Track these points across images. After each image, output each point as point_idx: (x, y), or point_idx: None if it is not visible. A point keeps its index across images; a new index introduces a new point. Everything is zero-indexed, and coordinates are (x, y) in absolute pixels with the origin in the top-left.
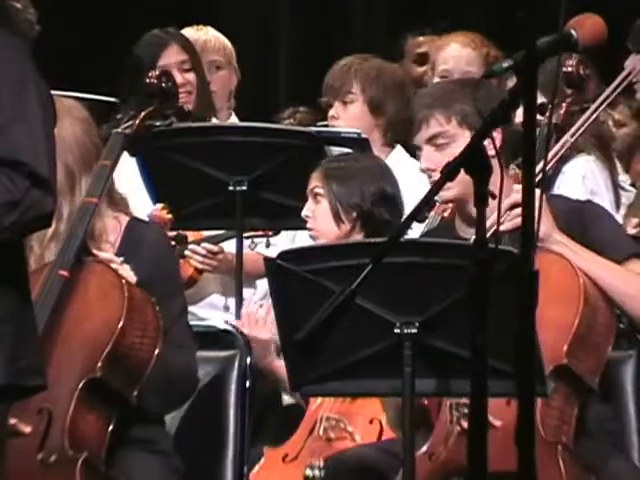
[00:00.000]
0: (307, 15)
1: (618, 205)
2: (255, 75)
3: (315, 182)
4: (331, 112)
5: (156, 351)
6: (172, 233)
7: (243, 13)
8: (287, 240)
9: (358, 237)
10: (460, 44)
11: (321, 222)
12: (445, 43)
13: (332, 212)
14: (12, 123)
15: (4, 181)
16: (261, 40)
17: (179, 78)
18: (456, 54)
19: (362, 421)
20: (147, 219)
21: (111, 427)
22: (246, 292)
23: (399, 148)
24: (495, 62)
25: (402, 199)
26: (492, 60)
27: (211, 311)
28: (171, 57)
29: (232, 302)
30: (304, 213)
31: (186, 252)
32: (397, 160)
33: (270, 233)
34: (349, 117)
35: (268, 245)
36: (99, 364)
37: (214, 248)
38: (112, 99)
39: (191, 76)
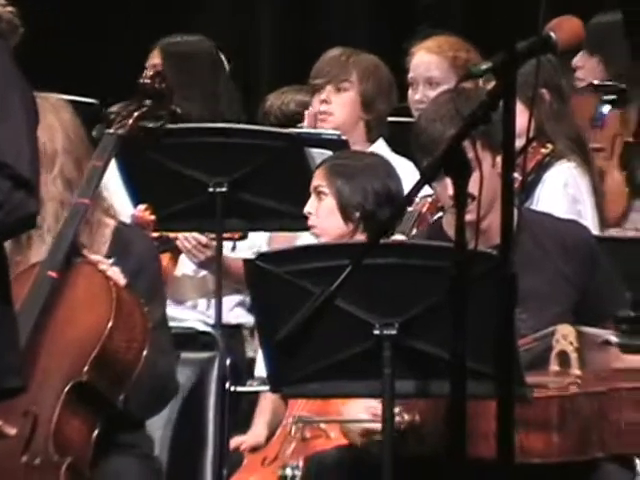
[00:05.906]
0: (287, 17)
1: (599, 208)
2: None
3: (319, 179)
4: (322, 96)
5: (144, 354)
6: (155, 234)
7: (220, 23)
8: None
9: (361, 237)
10: (425, 50)
11: (324, 220)
12: (416, 51)
13: (339, 210)
14: None
15: None
16: (244, 42)
17: None
18: (420, 61)
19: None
20: (129, 219)
21: (96, 432)
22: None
23: (381, 142)
24: (464, 65)
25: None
26: (461, 64)
27: (186, 310)
28: None
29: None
30: (306, 210)
31: (177, 242)
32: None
33: (237, 237)
34: (340, 102)
35: (234, 248)
36: (85, 368)
37: (202, 239)
38: (92, 100)
39: None
